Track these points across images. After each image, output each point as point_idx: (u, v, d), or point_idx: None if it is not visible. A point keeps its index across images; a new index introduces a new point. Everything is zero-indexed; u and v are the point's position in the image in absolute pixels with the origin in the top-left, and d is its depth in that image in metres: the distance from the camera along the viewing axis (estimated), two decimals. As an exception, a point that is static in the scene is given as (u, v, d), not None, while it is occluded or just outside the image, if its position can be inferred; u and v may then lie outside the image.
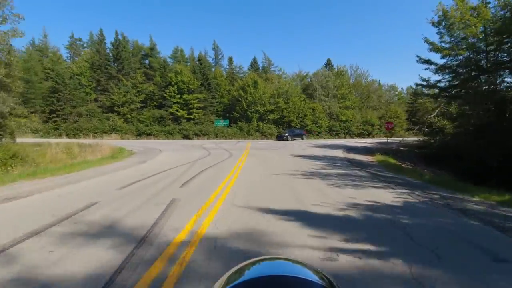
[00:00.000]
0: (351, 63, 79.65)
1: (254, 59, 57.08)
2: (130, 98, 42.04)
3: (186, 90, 43.12)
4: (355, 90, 50.10)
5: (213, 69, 55.36)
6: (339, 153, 20.86)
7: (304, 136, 38.08)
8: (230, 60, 58.53)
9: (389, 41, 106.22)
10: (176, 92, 42.74)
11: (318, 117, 44.78)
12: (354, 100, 48.43)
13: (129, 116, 41.04)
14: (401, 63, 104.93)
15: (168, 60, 51.63)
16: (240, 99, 44.05)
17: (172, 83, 42.84)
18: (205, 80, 48.15)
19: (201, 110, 44.09)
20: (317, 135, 44.29)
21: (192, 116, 42.82)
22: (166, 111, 41.97)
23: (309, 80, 51.74)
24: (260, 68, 56.52)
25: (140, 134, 38.99)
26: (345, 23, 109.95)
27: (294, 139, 35.82)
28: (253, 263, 0.75)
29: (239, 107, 44.55)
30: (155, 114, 40.76)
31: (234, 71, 57.23)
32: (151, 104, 43.69)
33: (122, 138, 37.06)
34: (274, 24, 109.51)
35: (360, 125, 46.38)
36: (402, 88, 65.69)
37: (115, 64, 45.05)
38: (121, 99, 40.89)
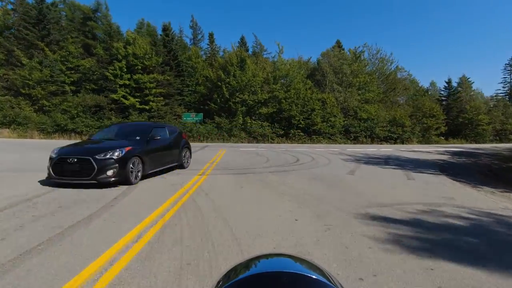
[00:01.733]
0: (368, 44, 66.42)
1: (243, 39, 43.42)
2: (51, 77, 27.79)
3: (139, 68, 29.24)
4: (377, 78, 37.18)
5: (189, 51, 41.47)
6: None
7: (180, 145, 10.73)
8: (211, 37, 44.91)
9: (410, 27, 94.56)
10: (125, 70, 28.80)
11: (330, 113, 31.57)
12: (377, 92, 35.48)
13: (46, 103, 26.77)
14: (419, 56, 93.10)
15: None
16: (219, 83, 30.41)
17: (119, 57, 28.89)
18: (172, 58, 34.35)
19: (162, 98, 30.24)
20: (329, 138, 31.04)
21: (147, 107, 28.93)
22: (107, 97, 27.89)
23: (314, 62, 38.56)
24: (251, 53, 42.94)
25: (59, 131, 24.84)
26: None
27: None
28: (254, 260, 0.75)
29: (218, 96, 30.90)
30: (86, 101, 26.60)
31: (216, 53, 43.65)
32: (87, 87, 29.56)
33: (20, 136, 22.92)
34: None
35: (386, 126, 33.38)
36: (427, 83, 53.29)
37: (38, 28, 30.69)
38: (35, 77, 26.58)
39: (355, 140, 31.84)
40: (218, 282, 0.64)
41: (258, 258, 0.79)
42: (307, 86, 32.63)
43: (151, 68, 30.32)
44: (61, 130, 24.63)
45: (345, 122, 32.59)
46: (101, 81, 29.07)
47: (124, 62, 28.76)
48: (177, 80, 33.42)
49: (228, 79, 30.08)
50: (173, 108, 30.85)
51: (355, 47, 36.82)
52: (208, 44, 45.46)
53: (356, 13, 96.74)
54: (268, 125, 30.15)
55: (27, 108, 25.93)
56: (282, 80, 32.25)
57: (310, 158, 13.52)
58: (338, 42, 39.62)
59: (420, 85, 50.11)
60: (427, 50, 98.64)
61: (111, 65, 28.94)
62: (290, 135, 30.09)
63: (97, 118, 26.42)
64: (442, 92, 46.34)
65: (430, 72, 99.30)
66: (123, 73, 28.65)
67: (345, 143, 30.97)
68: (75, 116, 25.57)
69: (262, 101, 31.24)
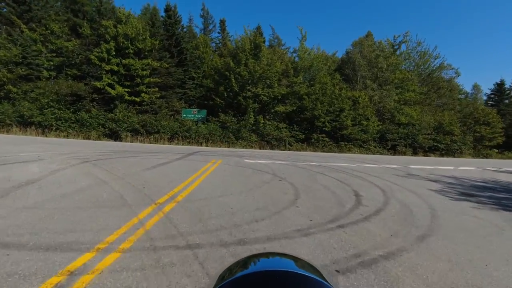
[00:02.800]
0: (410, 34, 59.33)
1: (258, 28, 37.62)
2: (23, 58, 22.81)
3: (131, 52, 23.97)
4: (418, 76, 30.74)
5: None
6: None
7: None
8: (223, 24, 39.52)
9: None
10: (113, 53, 23.56)
11: (362, 115, 25.47)
12: (419, 92, 29.07)
13: (13, 89, 21.68)
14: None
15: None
16: (227, 73, 24.80)
17: (107, 37, 23.69)
18: (174, 44, 29.04)
19: (158, 90, 24.85)
20: (361, 146, 24.94)
21: (138, 99, 23.56)
22: (87, 84, 22.65)
23: (343, 55, 32.40)
24: (267, 46, 37.11)
25: (22, 124, 19.70)
26: None
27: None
28: (251, 258, 0.76)
29: (226, 89, 25.29)
30: (62, 89, 21.39)
31: (228, 42, 38.15)
32: (69, 73, 24.48)
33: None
34: None
35: (431, 133, 26.98)
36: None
37: (17, 2, 25.89)
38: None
39: (393, 150, 25.60)
40: (220, 277, 0.64)
41: (254, 257, 0.77)
42: (335, 80, 26.64)
43: (146, 52, 25.01)
44: (24, 123, 19.49)
45: (381, 126, 26.40)
46: (85, 65, 23.90)
47: (113, 43, 23.51)
48: (179, 70, 28.02)
49: (238, 69, 24.42)
50: (171, 102, 25.39)
51: (394, 36, 30.47)
52: (219, 32, 40.10)
53: (386, 4, 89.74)
54: (286, 127, 24.30)
55: (-12, 94, 20.97)
56: (304, 75, 26.33)
57: (378, 191, 7.31)
58: (369, 34, 33.31)
59: (462, 88, 43.13)
60: (468, 52, 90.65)
61: (97, 47, 23.77)
62: (313, 140, 24.15)
63: (74, 110, 21.18)
64: (491, 96, 39.30)
65: (470, 75, 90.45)
66: (111, 57, 23.41)
67: (380, 153, 24.78)
68: (46, 106, 20.39)
69: (279, 97, 25.44)
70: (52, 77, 24.33)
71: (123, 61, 23.42)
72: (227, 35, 39.49)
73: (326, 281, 0.62)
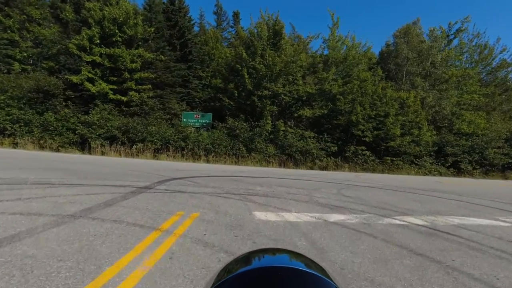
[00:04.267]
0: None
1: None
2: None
3: (119, 39, 19.12)
4: (478, 74, 24.34)
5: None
6: None
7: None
8: (236, 17, 34.58)
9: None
10: (97, 41, 18.75)
11: (413, 121, 19.48)
12: (482, 93, 22.65)
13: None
14: None
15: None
16: (239, 66, 19.48)
17: (91, 22, 18.94)
18: (177, 36, 24.19)
19: (150, 87, 19.83)
20: (413, 162, 18.90)
21: (125, 98, 18.56)
22: (60, 78, 17.85)
23: (382, 47, 26.34)
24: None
25: None
26: None
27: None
28: (252, 254, 0.76)
29: (237, 86, 19.96)
30: (27, 85, 16.58)
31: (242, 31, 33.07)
32: (44, 65, 19.88)
33: None
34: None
35: (503, 147, 20.56)
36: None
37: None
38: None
39: (455, 168, 19.35)
40: (219, 274, 0.62)
41: (255, 252, 0.77)
42: (376, 77, 20.84)
43: (138, 42, 20.13)
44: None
45: (436, 137, 20.26)
46: (63, 56, 19.22)
47: (96, 29, 18.72)
48: (180, 65, 23.03)
49: (252, 62, 19.05)
50: (168, 104, 20.26)
51: (450, 23, 24.07)
52: (232, 26, 35.15)
53: None
54: (314, 136, 18.61)
55: None
56: (338, 69, 20.63)
57: None
58: (417, 21, 27.09)
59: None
60: None
61: (80, 33, 19.07)
62: (348, 154, 18.32)
63: (41, 111, 16.30)
64: None
65: None
66: (93, 46, 18.61)
67: (439, 173, 18.61)
68: (3, 106, 15.59)
69: (304, 97, 19.85)
70: (26, 71, 19.78)
71: (108, 50, 18.54)
72: (240, 29, 34.44)
73: (331, 279, 0.60)
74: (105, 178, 6.60)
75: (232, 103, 19.78)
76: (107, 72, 18.77)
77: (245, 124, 17.77)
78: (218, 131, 18.17)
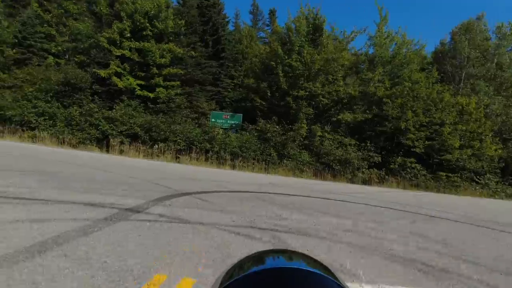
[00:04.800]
0: None
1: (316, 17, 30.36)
2: (23, 39, 18.46)
3: (149, 33, 18.31)
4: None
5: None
6: None
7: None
8: (272, 15, 33.05)
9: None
10: (127, 35, 18.07)
11: (475, 132, 16.59)
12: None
13: (1, 75, 17.08)
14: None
15: None
16: (273, 64, 17.80)
17: (123, 15, 18.33)
18: (210, 32, 23.14)
19: (179, 83, 18.83)
20: (474, 180, 16.03)
21: (151, 94, 17.66)
22: (87, 72, 17.32)
23: (436, 47, 23.27)
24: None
25: None
26: None
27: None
28: (258, 256, 0.74)
29: (270, 85, 18.30)
30: (54, 77, 16.17)
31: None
32: (76, 59, 19.64)
33: None
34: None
35: None
36: None
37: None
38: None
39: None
40: (228, 274, 0.62)
41: (264, 253, 0.76)
42: (430, 79, 18.17)
43: (169, 37, 19.24)
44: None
45: (502, 151, 17.15)
46: (94, 50, 18.80)
47: (128, 23, 18.05)
48: (212, 63, 21.90)
49: (289, 59, 17.31)
50: (196, 102, 19.12)
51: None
52: (268, 24, 33.66)
53: None
54: (355, 144, 16.44)
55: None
56: (384, 67, 18.25)
57: None
58: (481, 16, 23.65)
59: None
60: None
61: (111, 27, 18.55)
62: (395, 166, 15.92)
63: (67, 104, 15.78)
64: None
65: None
66: (124, 40, 17.95)
67: (506, 195, 15.57)
68: (31, 98, 15.24)
69: (345, 99, 17.73)
70: (59, 65, 19.66)
71: (137, 44, 17.76)
72: (277, 25, 32.88)
73: (339, 281, 0.58)
74: (90, 189, 5.08)
75: (264, 103, 18.16)
76: (136, 67, 18.01)
77: (277, 127, 16.04)
78: (247, 133, 16.61)
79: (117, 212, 3.82)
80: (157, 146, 14.00)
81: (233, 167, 14.26)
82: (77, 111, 14.85)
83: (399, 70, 18.05)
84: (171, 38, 19.23)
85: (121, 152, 13.62)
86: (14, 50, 17.76)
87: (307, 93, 16.91)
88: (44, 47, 19.94)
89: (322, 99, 17.22)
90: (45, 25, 20.55)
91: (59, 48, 20.46)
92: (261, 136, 16.24)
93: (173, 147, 14.07)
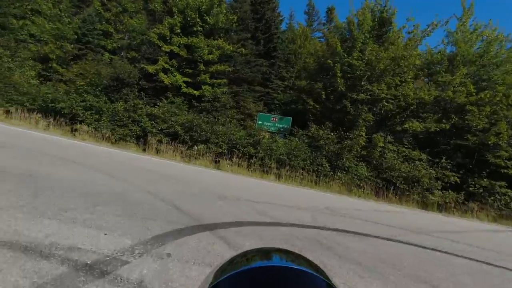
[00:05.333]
0: None
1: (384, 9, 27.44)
2: (83, 36, 18.98)
3: (199, 28, 17.54)
4: None
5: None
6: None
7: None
8: (330, 13, 30.79)
9: None
10: (178, 31, 17.51)
11: None
12: None
13: (60, 70, 17.59)
14: None
15: None
16: (330, 63, 15.75)
17: (175, 11, 17.86)
18: (262, 30, 21.89)
19: (226, 82, 17.77)
20: None
21: (197, 92, 16.82)
22: (135, 67, 17.05)
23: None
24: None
25: (42, 110, 14.80)
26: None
27: None
28: (247, 254, 0.73)
29: (325, 87, 16.28)
30: (104, 71, 16.09)
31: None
32: (128, 55, 19.74)
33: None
34: None
35: None
36: None
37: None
38: (48, 30, 17.90)
39: None
40: (215, 274, 0.61)
41: (251, 252, 0.75)
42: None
43: (220, 32, 18.33)
44: (45, 109, 14.63)
45: None
46: (145, 46, 18.66)
47: (179, 18, 17.50)
48: (262, 61, 20.57)
49: (348, 58, 15.17)
50: (243, 102, 17.88)
51: None
52: (324, 23, 31.50)
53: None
54: (426, 159, 13.68)
55: (31, 72, 17.20)
56: (468, 68, 15.10)
57: None
58: None
59: None
60: None
61: (162, 23, 18.23)
62: (476, 189, 12.84)
63: (114, 99, 15.57)
64: None
65: None
66: (173, 35, 17.43)
67: None
68: (81, 92, 15.29)
69: (414, 105, 14.96)
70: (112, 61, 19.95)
71: (186, 40, 17.08)
72: (333, 27, 30.60)
73: (331, 282, 0.58)
74: (66, 207, 3.72)
75: (317, 106, 16.21)
76: (183, 63, 17.34)
77: (331, 134, 13.99)
78: (296, 139, 14.78)
79: (65, 273, 2.19)
80: (196, 147, 12.90)
81: (278, 177, 12.57)
82: (122, 106, 14.48)
83: (487, 71, 14.78)
84: (221, 34, 18.29)
85: (157, 152, 12.76)
86: (72, 46, 18.29)
87: (368, 96, 14.59)
88: (101, 44, 20.39)
89: (386, 104, 14.74)
90: (104, 22, 21.06)
91: (115, 45, 20.80)
92: (312, 143, 14.32)
93: (213, 149, 12.86)
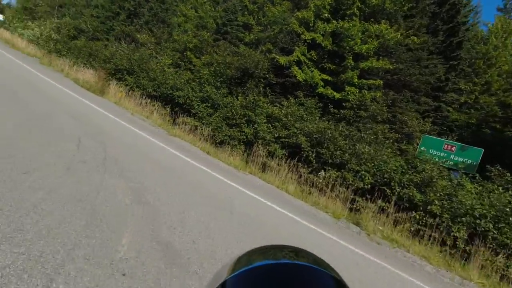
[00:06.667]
0: None
1: None
2: (223, 26, 17.70)
3: (355, 10, 12.94)
4: None
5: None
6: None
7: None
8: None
9: None
10: (326, 14, 13.50)
11: None
12: None
13: (194, 59, 16.41)
14: None
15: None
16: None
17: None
18: (443, 17, 15.49)
19: (381, 86, 12.42)
20: None
21: (338, 94, 12.27)
22: (267, 58, 13.97)
23: None
24: None
25: (160, 97, 13.40)
26: None
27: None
28: (250, 253, 0.70)
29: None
30: (230, 61, 13.69)
31: None
32: (263, 48, 17.18)
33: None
34: None
35: None
36: None
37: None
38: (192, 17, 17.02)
39: None
40: (233, 264, 0.59)
41: (257, 250, 0.71)
42: None
43: (383, 15, 13.26)
44: (163, 97, 13.17)
45: None
46: (282, 34, 15.62)
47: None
48: (439, 60, 14.17)
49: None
50: (401, 115, 12.17)
51: None
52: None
53: None
54: None
55: (168, 60, 16.67)
56: None
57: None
58: None
59: None
60: None
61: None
62: None
63: (235, 93, 12.92)
64: None
65: None
66: (318, 21, 13.55)
67: None
68: (203, 81, 13.33)
69: None
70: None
71: (333, 25, 12.83)
72: None
73: (338, 274, 0.57)
74: None
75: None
76: (325, 56, 13.18)
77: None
78: (495, 185, 8.16)
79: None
80: (324, 173, 8.32)
81: (468, 260, 6.54)
82: (240, 102, 11.53)
83: None
84: (384, 18, 13.15)
85: (264, 169, 8.77)
86: (208, 34, 17.07)
87: None
88: (238, 36, 18.70)
89: None
90: (246, 13, 19.37)
91: (252, 36, 18.75)
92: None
93: (350, 182, 7.96)
